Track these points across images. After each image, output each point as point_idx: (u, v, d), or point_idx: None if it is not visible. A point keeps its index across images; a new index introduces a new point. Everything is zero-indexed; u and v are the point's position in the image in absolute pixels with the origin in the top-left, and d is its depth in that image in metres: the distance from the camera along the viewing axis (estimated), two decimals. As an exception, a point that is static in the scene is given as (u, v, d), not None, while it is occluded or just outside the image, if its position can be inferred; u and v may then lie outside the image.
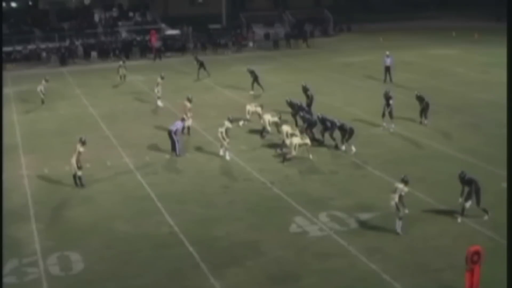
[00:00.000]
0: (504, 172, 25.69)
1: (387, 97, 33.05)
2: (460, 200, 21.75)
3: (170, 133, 29.70)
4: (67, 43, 63.05)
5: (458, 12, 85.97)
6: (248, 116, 34.00)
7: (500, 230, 20.51)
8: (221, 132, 28.98)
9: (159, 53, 60.45)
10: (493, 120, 33.70)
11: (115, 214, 23.47)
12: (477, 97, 39.38)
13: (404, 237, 20.66)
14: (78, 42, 63.58)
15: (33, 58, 59.76)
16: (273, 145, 30.75)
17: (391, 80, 44.34)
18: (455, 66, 50.47)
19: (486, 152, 28.88)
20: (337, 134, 30.00)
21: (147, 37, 64.18)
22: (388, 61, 44.80)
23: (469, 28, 71.71)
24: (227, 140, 28.94)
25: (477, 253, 16.31)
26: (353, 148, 29.30)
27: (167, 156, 29.77)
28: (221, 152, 29.40)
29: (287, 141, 28.87)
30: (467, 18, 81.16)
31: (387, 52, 45.23)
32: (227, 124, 29.07)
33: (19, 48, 60.46)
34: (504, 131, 31.90)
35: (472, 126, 33.44)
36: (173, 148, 29.70)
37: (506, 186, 24.51)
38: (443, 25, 76.87)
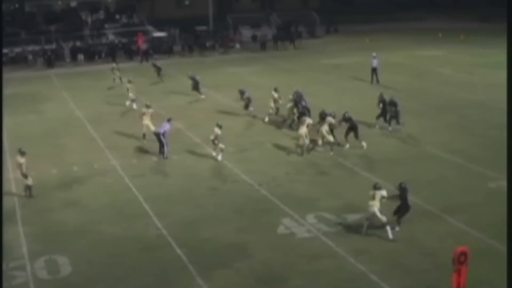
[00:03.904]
0: (491, 173, 25.97)
1: (382, 100, 32.92)
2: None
3: (158, 135, 29.64)
4: (53, 45, 62.88)
5: (444, 13, 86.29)
6: (272, 105, 35.65)
7: (487, 231, 20.67)
8: (212, 140, 28.99)
9: (146, 55, 60.33)
10: (480, 120, 33.87)
11: (103, 217, 23.40)
12: (464, 98, 39.51)
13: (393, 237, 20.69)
14: (65, 45, 63.42)
15: (19, 61, 59.56)
16: (259, 146, 30.81)
17: (378, 81, 44.43)
18: (441, 67, 50.65)
19: (473, 152, 28.99)
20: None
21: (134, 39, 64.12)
22: (374, 62, 44.87)
23: (455, 29, 72.10)
24: (221, 145, 28.93)
25: (463, 253, 16.34)
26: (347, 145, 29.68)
27: (155, 158, 29.74)
28: (214, 153, 29.33)
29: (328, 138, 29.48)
30: (453, 19, 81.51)
31: (374, 53, 45.35)
32: (216, 130, 28.97)
33: (5, 50, 60.16)
34: (491, 131, 32.23)
35: (459, 126, 33.54)
36: (161, 150, 29.65)
37: (493, 186, 24.82)
38: (429, 26, 77.19)
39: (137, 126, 33.38)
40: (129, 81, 40.57)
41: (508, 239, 14.57)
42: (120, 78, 46.97)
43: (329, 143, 29.50)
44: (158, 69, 49.12)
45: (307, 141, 29.31)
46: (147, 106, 32.82)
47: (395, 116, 32.53)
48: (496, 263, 18.61)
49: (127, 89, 39.96)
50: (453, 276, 16.48)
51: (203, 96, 41.96)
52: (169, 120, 30.42)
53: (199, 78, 42.42)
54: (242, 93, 37.46)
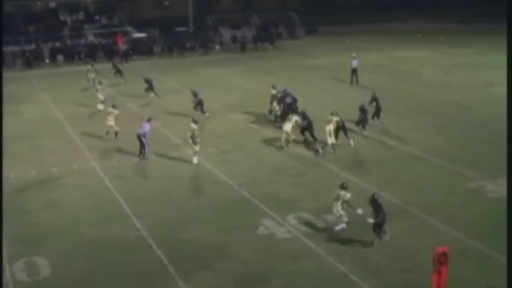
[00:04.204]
0: (470, 173, 26.15)
1: (375, 99, 33.06)
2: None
3: (139, 136, 29.52)
4: (33, 46, 62.50)
5: (423, 14, 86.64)
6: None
7: (466, 230, 20.78)
8: (190, 137, 28.88)
9: (125, 56, 60.07)
10: (459, 121, 34.06)
11: (82, 219, 23.29)
12: (443, 99, 39.65)
13: (371, 238, 20.69)
14: (44, 46, 63.04)
15: (-3, 62, 59.11)
16: (240, 147, 30.84)
17: (357, 82, 44.54)
18: (420, 67, 50.83)
19: (452, 153, 29.12)
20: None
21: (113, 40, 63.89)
22: (354, 63, 44.98)
23: (434, 29, 72.38)
24: (198, 140, 28.75)
25: (444, 254, 16.43)
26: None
27: (135, 159, 29.65)
28: (194, 158, 29.13)
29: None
30: (432, 20, 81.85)
31: (354, 54, 45.45)
32: (193, 125, 28.92)
33: (-17, 51, 59.77)
34: (470, 132, 32.47)
35: (438, 127, 33.65)
36: (141, 151, 29.56)
37: (472, 186, 24.97)
38: (408, 27, 77.40)
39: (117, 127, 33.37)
40: (100, 83, 40.46)
41: (508, 241, 14.64)
42: (93, 80, 46.05)
43: (325, 142, 29.52)
44: (118, 70, 48.83)
45: (291, 137, 29.37)
46: (113, 106, 32.86)
47: (364, 121, 32.56)
48: (475, 263, 18.76)
49: (97, 90, 39.84)
50: (434, 276, 16.58)
51: (153, 95, 41.89)
52: (149, 120, 30.26)
53: (152, 78, 42.47)
54: (194, 94, 37.12)
